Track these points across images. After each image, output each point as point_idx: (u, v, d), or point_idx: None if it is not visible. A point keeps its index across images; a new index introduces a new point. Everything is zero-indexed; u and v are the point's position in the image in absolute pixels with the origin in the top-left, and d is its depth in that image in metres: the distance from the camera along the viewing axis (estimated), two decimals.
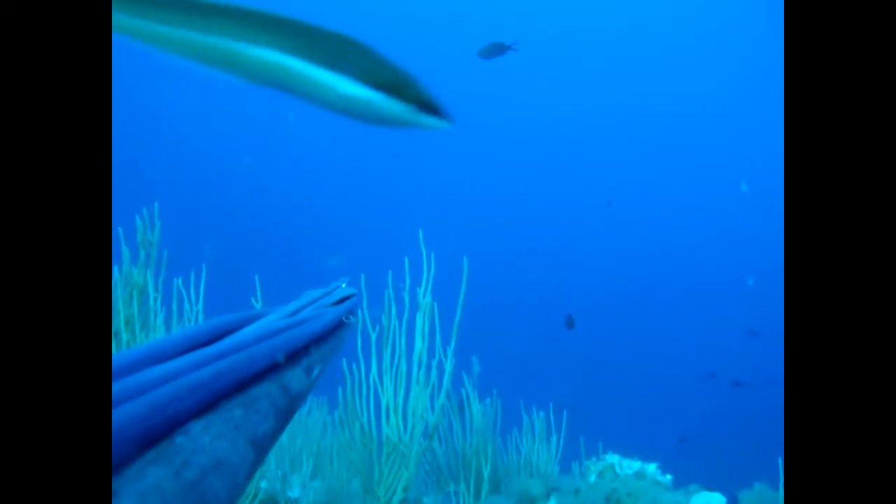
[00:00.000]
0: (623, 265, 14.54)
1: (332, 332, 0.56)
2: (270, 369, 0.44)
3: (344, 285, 0.67)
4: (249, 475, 0.39)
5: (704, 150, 15.26)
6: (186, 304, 1.67)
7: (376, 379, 1.72)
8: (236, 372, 0.40)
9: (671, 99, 14.98)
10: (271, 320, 0.50)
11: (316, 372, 0.51)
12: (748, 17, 12.71)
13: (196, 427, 0.35)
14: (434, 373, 1.75)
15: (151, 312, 1.64)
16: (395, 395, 1.70)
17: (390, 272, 1.73)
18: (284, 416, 0.45)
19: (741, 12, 12.90)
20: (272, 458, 1.87)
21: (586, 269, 14.64)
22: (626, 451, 2.82)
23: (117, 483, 0.29)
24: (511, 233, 15.19)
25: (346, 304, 0.61)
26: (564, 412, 2.27)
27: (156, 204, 1.94)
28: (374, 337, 1.74)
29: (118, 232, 1.77)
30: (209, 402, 0.37)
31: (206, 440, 0.35)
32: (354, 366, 1.76)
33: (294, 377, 0.47)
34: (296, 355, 0.48)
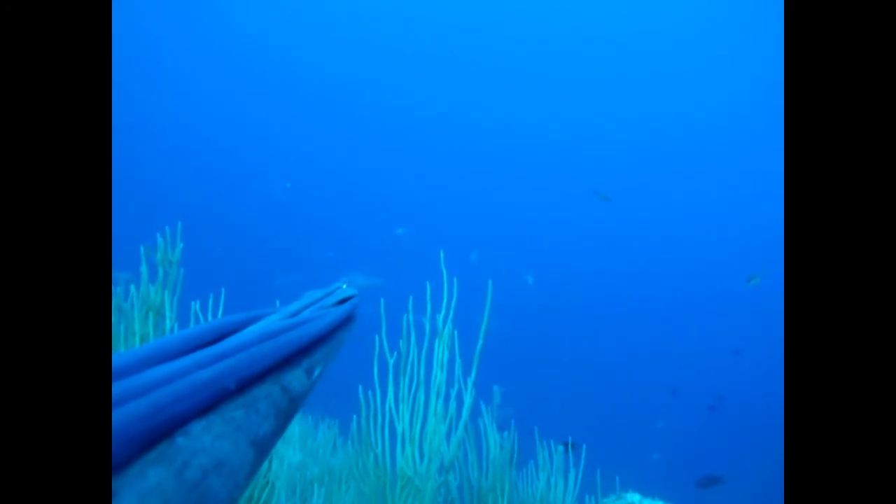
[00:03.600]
0: (655, 295, 14.30)
1: (333, 333, 0.55)
2: (271, 370, 0.43)
3: (345, 286, 0.65)
4: (250, 476, 0.38)
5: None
6: None
7: (392, 408, 1.61)
8: (237, 372, 0.39)
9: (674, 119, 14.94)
10: (273, 321, 0.49)
11: (317, 373, 0.50)
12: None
13: (197, 427, 0.34)
14: (452, 403, 1.63)
15: (168, 333, 1.56)
16: (412, 427, 1.59)
17: (411, 297, 1.64)
18: (285, 416, 0.44)
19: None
20: (283, 486, 1.76)
21: (614, 298, 14.39)
22: (645, 489, 2.64)
23: (118, 483, 0.28)
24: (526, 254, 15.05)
25: (347, 305, 0.59)
26: (584, 446, 2.13)
27: (179, 224, 1.86)
28: (391, 363, 1.64)
29: (139, 251, 1.70)
30: (210, 402, 0.36)
31: (207, 441, 0.34)
32: (370, 393, 1.65)
33: (295, 378, 0.46)
34: (297, 356, 0.47)
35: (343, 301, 0.60)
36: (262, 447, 0.39)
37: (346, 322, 0.59)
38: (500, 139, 15.85)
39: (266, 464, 1.45)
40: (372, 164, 15.97)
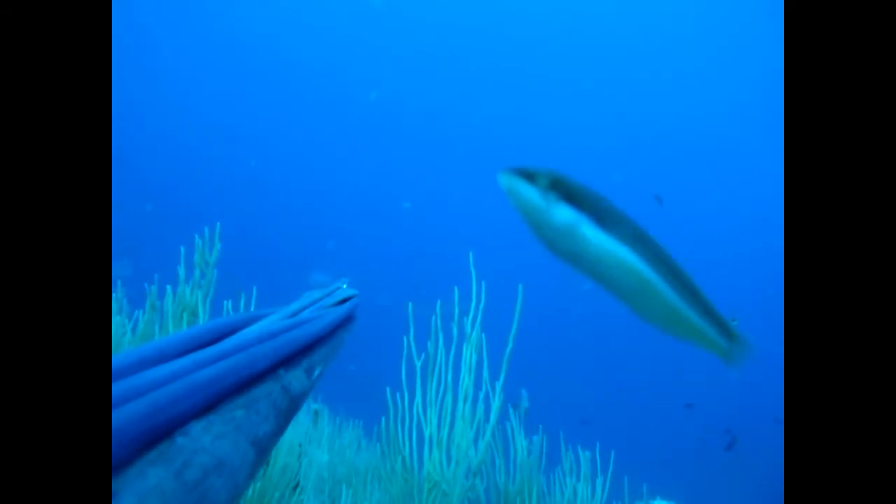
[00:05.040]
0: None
1: (333, 333, 0.54)
2: (271, 370, 0.43)
3: (345, 286, 0.65)
4: (250, 476, 0.37)
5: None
6: None
7: (420, 411, 1.58)
8: (237, 372, 0.38)
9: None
10: (272, 321, 0.48)
11: (317, 373, 0.49)
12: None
13: (197, 427, 0.34)
14: (480, 407, 1.60)
15: None
16: (439, 430, 1.55)
17: (439, 301, 1.61)
18: (285, 416, 0.43)
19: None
20: (311, 487, 1.75)
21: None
22: (676, 497, 2.55)
23: (117, 483, 0.27)
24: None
25: (347, 305, 0.59)
26: (612, 452, 2.06)
27: (218, 224, 1.88)
28: (419, 366, 1.61)
29: (179, 251, 1.71)
30: (210, 402, 0.36)
31: (206, 440, 0.33)
32: (398, 395, 1.63)
33: (295, 378, 0.45)
34: (297, 356, 0.47)
35: (343, 301, 0.60)
36: (263, 447, 0.39)
37: (346, 322, 0.58)
38: (501, 141, 15.62)
39: (296, 465, 1.44)
40: (370, 159, 15.78)
